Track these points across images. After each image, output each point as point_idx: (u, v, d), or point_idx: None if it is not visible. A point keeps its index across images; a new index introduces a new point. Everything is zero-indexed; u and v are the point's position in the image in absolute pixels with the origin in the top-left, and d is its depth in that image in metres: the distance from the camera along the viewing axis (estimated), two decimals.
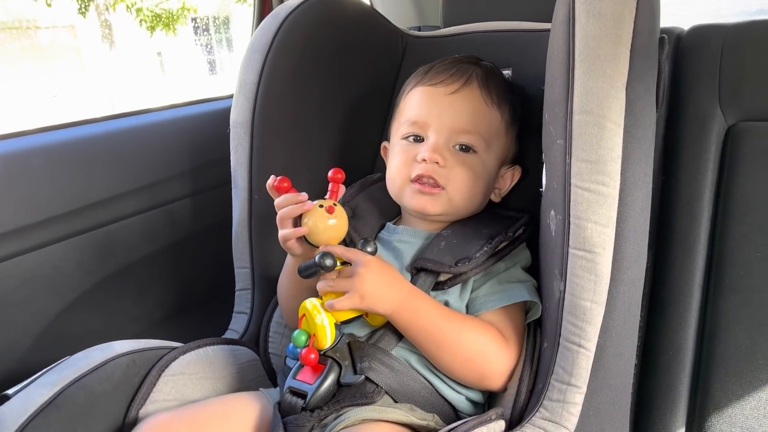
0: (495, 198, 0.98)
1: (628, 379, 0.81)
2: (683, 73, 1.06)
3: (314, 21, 1.07)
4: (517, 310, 0.86)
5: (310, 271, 0.82)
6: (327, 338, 0.81)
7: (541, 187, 0.82)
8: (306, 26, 1.05)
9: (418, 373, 0.85)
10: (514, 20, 1.14)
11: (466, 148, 0.91)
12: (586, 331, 0.72)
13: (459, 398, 0.86)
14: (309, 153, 1.09)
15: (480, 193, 0.93)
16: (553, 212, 0.75)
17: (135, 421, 0.84)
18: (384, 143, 1.05)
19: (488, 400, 0.89)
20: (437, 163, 0.89)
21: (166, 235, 1.23)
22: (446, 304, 0.86)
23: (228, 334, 1.07)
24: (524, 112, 0.98)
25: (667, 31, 1.09)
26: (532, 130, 0.91)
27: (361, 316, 0.85)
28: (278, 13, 1.05)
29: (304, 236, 0.83)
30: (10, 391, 0.81)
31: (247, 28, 1.55)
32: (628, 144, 0.69)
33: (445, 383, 0.85)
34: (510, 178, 0.98)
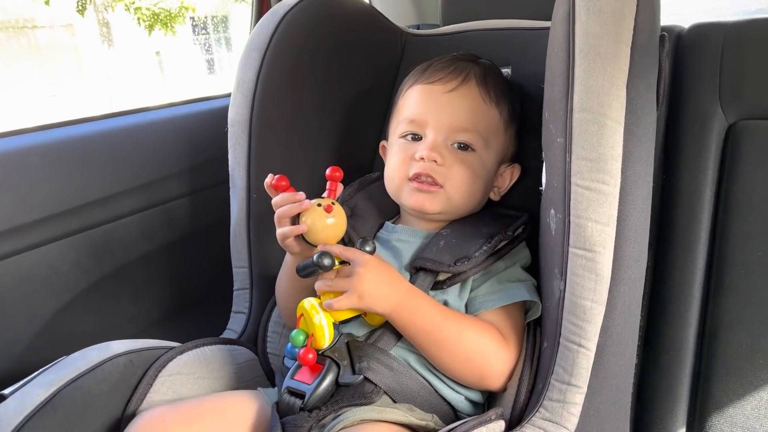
0: (494, 197, 0.98)
1: (629, 379, 0.81)
2: (684, 72, 1.06)
3: (313, 19, 1.06)
4: (516, 310, 0.86)
5: (309, 271, 0.81)
6: (325, 338, 0.81)
7: (541, 186, 0.82)
8: (304, 24, 1.05)
9: (417, 373, 0.84)
10: (513, 18, 1.14)
11: (464, 147, 0.91)
12: (587, 331, 0.72)
13: (458, 398, 0.85)
14: (307, 152, 1.08)
15: (479, 191, 0.93)
16: (553, 211, 0.75)
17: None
18: (383, 142, 1.04)
19: (488, 400, 0.88)
20: (435, 161, 0.89)
21: (163, 234, 1.23)
22: (445, 303, 0.86)
23: (226, 334, 1.07)
24: (524, 111, 0.98)
25: (667, 29, 1.09)
26: (532, 128, 0.91)
27: (360, 316, 0.85)
28: (276, 11, 1.05)
29: (302, 235, 0.83)
30: (6, 391, 0.81)
31: (246, 26, 1.55)
32: (629, 142, 0.69)
33: (445, 383, 0.85)
34: (509, 176, 0.97)
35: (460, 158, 0.90)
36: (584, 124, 0.69)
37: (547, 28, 0.82)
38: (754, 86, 1.02)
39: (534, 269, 0.90)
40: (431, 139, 0.90)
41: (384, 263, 0.84)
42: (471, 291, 0.87)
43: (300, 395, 0.80)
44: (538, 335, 0.84)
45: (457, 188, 0.90)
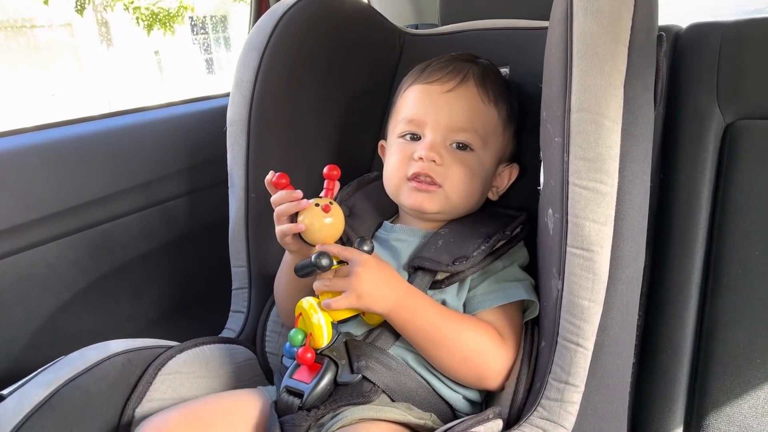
0: (492, 196, 0.98)
1: (626, 378, 0.81)
2: (681, 71, 1.06)
3: (311, 19, 1.06)
4: (514, 309, 0.86)
5: (307, 271, 0.81)
6: (324, 337, 0.81)
7: (539, 185, 0.82)
8: (303, 24, 1.05)
9: (416, 372, 0.84)
10: (511, 18, 1.14)
11: (462, 146, 0.91)
12: (584, 330, 0.72)
13: (456, 397, 0.85)
14: (306, 151, 1.08)
15: (477, 191, 0.93)
16: (551, 210, 0.75)
17: (131, 421, 0.84)
18: (381, 142, 1.04)
19: (486, 400, 0.88)
20: (434, 161, 0.89)
21: (162, 233, 1.23)
22: (443, 303, 0.86)
23: (225, 333, 1.07)
24: (522, 110, 0.98)
25: (665, 28, 1.09)
26: (530, 128, 0.91)
27: (358, 315, 0.85)
28: (275, 10, 1.05)
29: (300, 234, 0.83)
30: (4, 391, 0.81)
31: (244, 26, 1.55)
32: (626, 142, 0.69)
33: (443, 382, 0.85)
34: (507, 176, 0.98)
35: (458, 158, 0.90)
36: (582, 123, 0.69)
37: (545, 28, 0.82)
38: (751, 86, 1.02)
39: (532, 269, 0.90)
40: (430, 138, 0.90)
41: (382, 263, 0.84)
42: (469, 290, 0.87)
43: (298, 394, 0.80)
44: (535, 334, 0.84)
45: (455, 188, 0.90)
